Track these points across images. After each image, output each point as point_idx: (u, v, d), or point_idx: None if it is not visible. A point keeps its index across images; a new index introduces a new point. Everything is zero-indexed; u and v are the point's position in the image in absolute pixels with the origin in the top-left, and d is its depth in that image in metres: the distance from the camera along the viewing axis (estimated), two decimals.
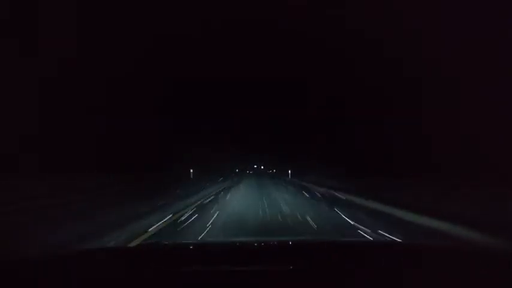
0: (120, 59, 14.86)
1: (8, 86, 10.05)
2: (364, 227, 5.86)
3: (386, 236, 5.07)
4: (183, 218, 6.64)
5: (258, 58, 25.66)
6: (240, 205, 9.20)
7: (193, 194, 11.80)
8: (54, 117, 11.97)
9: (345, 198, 11.58)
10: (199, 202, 9.53)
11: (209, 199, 10.58)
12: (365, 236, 5.05)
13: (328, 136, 28.05)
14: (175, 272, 1.24)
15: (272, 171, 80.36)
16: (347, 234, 5.32)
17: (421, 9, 11.45)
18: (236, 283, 1.11)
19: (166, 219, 6.43)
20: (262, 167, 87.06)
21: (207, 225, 5.92)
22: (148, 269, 1.30)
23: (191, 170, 27.01)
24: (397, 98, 13.78)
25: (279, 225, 6.11)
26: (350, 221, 6.52)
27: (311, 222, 6.41)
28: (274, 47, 23.27)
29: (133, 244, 4.25)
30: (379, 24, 13.30)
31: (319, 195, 12.67)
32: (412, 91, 12.77)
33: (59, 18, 11.76)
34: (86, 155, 13.13)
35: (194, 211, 7.65)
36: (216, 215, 7.13)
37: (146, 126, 19.11)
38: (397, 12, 12.25)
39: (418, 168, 11.10)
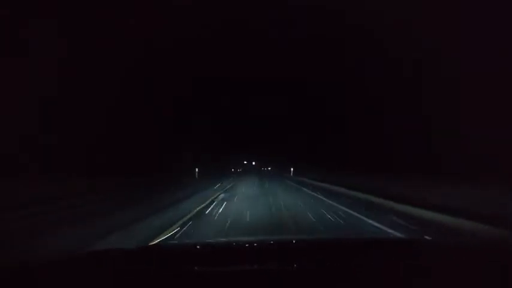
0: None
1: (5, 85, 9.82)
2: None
3: None
4: None
5: (256, 58, 25.54)
6: None
7: None
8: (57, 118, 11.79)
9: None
10: None
11: None
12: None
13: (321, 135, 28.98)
14: (181, 272, 1.23)
15: (267, 168, 77.99)
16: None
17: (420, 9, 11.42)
18: (241, 283, 1.11)
19: None
20: (253, 163, 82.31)
21: None
22: (153, 270, 1.29)
23: None
24: (397, 96, 13.79)
25: None
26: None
27: None
28: (268, 48, 23.17)
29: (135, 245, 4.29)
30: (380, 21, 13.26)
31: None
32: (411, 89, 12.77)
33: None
34: (91, 158, 13.02)
35: None
36: None
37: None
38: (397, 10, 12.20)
39: (418, 167, 11.15)
